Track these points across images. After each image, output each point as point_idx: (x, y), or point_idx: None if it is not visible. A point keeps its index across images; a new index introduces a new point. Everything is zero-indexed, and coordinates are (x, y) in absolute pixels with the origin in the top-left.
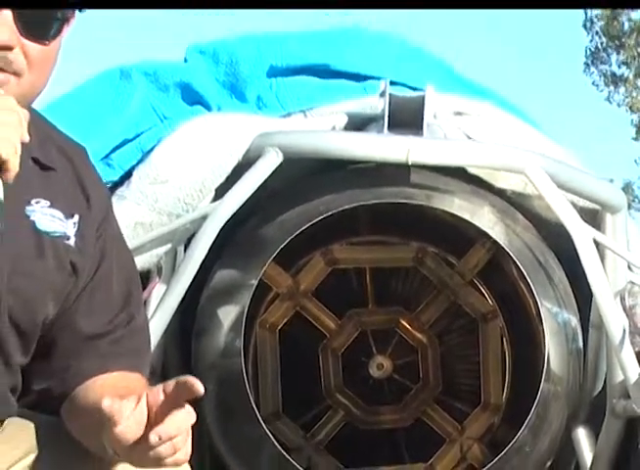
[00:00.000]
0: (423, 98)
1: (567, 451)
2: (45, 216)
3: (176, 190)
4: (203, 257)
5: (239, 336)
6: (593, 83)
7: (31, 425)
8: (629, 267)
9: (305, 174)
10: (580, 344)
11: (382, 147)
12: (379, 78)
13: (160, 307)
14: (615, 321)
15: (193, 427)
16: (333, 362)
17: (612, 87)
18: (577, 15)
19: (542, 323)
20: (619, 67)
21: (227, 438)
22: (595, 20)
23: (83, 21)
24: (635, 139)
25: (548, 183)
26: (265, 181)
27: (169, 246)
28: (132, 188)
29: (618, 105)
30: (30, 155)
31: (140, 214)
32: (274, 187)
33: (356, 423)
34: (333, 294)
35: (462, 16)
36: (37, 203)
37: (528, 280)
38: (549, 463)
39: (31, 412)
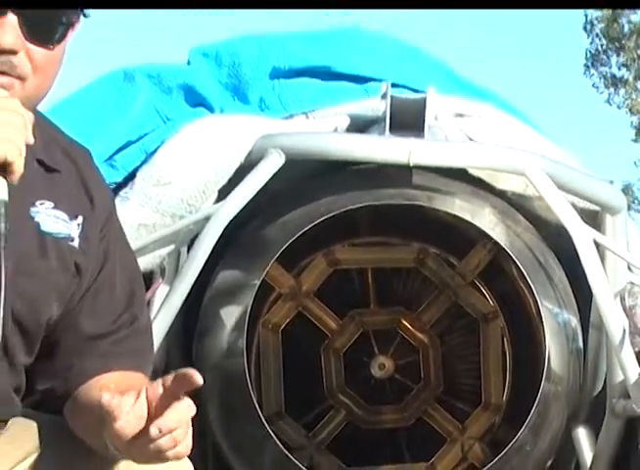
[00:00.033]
0: (424, 100)
1: (567, 451)
2: (49, 218)
3: (179, 191)
4: (205, 257)
5: (241, 336)
6: (593, 85)
7: (35, 425)
8: (629, 268)
9: (308, 176)
10: (580, 344)
11: (383, 148)
12: (380, 80)
13: (164, 308)
14: (615, 321)
15: (195, 427)
16: (335, 362)
17: (612, 89)
18: (578, 17)
19: (542, 323)
20: (619, 69)
21: (230, 437)
22: (595, 22)
23: (84, 22)
24: (635, 141)
25: (548, 184)
26: (268, 182)
27: (172, 247)
28: (136, 189)
29: (618, 107)
30: (35, 157)
31: (143, 216)
32: (276, 188)
33: (358, 423)
34: (335, 294)
35: (462, 16)
36: (42, 204)
37: (529, 280)
38: (549, 463)
39: (35, 412)
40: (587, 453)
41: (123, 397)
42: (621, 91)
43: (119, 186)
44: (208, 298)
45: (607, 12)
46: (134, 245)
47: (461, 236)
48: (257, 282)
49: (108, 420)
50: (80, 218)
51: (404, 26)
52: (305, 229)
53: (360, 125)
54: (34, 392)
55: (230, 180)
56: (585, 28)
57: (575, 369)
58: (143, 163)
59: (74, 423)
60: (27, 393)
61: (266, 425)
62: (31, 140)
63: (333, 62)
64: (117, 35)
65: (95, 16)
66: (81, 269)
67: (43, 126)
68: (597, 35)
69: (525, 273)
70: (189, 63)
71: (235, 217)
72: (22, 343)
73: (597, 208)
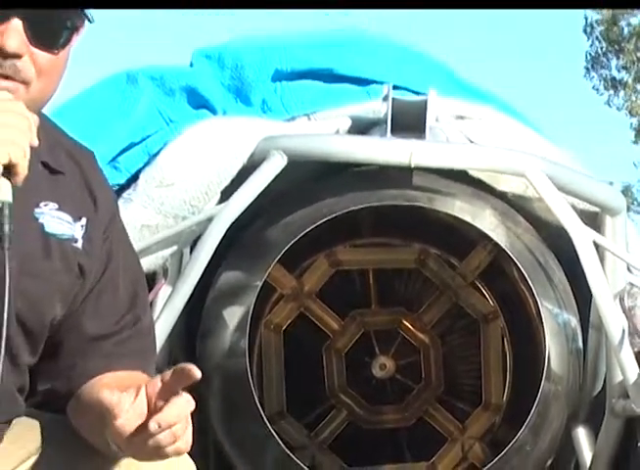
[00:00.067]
0: (425, 102)
1: (567, 451)
2: (53, 219)
3: (182, 193)
4: (208, 258)
5: (244, 336)
6: (593, 87)
7: (38, 425)
8: (629, 269)
9: (309, 177)
10: (580, 344)
11: (385, 150)
12: (382, 82)
13: (166, 309)
14: (614, 322)
15: (197, 425)
16: (336, 362)
17: (611, 91)
18: (578, 20)
19: (542, 324)
20: (619, 71)
21: (232, 437)
22: (595, 25)
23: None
24: (634, 142)
25: (548, 186)
26: (270, 184)
27: (175, 248)
28: (139, 191)
29: (618, 109)
30: (40, 159)
31: (146, 217)
32: (279, 190)
33: (359, 422)
34: (336, 295)
35: (462, 16)
36: (46, 205)
37: (529, 281)
38: (549, 462)
39: (38, 412)
40: (587, 453)
41: (123, 394)
42: (621, 93)
43: (123, 188)
44: (211, 298)
45: (607, 15)
46: (137, 246)
47: (462, 237)
48: (259, 283)
49: (108, 418)
50: (84, 220)
51: (404, 27)
52: (307, 230)
53: (362, 127)
54: (38, 392)
55: (232, 182)
56: (585, 31)
57: (575, 369)
58: (146, 164)
59: (77, 422)
60: (31, 393)
61: (268, 424)
62: (36, 142)
63: (335, 64)
64: (119, 36)
65: (96, 16)
66: (85, 270)
67: (47, 129)
68: (597, 38)
69: (526, 274)
70: (191, 65)
71: (237, 219)
72: (25, 343)
73: (597, 209)
